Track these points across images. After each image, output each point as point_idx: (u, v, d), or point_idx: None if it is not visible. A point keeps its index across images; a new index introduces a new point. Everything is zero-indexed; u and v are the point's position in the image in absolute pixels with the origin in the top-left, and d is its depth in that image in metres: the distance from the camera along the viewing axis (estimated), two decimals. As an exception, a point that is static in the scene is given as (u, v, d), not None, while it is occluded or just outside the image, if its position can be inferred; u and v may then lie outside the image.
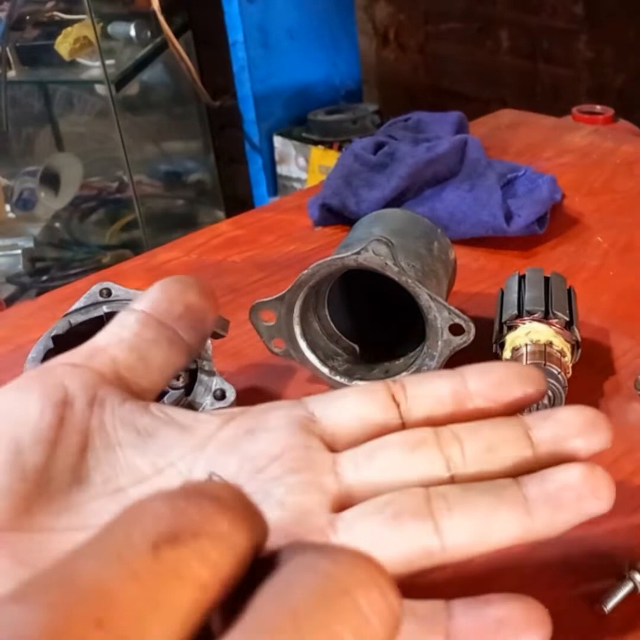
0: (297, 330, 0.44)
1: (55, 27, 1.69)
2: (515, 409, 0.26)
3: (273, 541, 0.17)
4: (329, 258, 0.42)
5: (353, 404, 0.26)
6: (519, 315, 0.43)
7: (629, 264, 0.57)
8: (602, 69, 1.68)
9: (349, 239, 0.47)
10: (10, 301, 1.64)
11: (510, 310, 0.43)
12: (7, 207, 1.83)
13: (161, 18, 1.67)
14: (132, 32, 1.72)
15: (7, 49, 1.64)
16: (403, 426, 0.26)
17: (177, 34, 1.74)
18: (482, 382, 0.26)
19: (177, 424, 0.25)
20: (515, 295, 0.45)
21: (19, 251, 1.75)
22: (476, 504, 0.23)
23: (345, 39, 1.94)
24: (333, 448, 0.25)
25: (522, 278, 0.47)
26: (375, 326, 0.48)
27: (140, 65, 1.75)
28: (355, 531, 0.22)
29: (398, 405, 0.26)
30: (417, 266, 0.43)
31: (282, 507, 0.23)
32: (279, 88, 1.83)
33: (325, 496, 0.24)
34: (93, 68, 1.68)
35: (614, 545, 0.32)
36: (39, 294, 1.32)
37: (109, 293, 0.45)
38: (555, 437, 0.24)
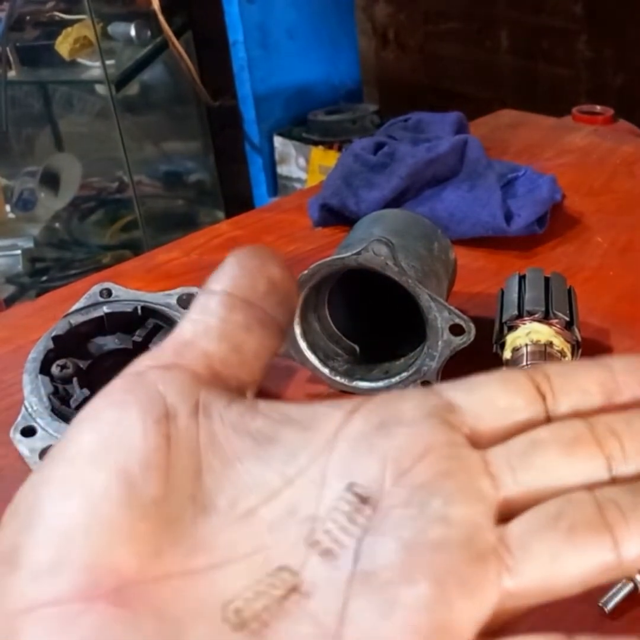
0: (298, 330, 0.44)
1: (55, 27, 1.69)
2: None
3: (435, 566, 0.15)
4: (329, 258, 0.42)
5: (496, 393, 0.23)
6: (520, 315, 0.43)
7: (629, 264, 0.57)
8: (602, 68, 1.68)
9: (349, 239, 0.47)
10: (10, 302, 1.64)
11: (511, 310, 0.43)
12: (7, 208, 1.83)
13: (161, 18, 1.67)
14: (132, 32, 1.72)
15: (7, 49, 1.64)
16: (548, 421, 0.23)
17: (177, 34, 1.74)
18: (631, 376, 0.23)
19: (296, 422, 0.22)
20: (516, 296, 0.45)
21: (19, 251, 1.75)
22: None
23: (345, 39, 1.94)
24: (475, 444, 0.22)
25: (522, 278, 0.47)
26: (375, 326, 0.48)
27: (141, 65, 1.75)
28: (532, 551, 0.20)
29: (544, 398, 0.23)
30: (417, 266, 0.43)
31: (447, 523, 0.20)
32: (279, 88, 1.83)
33: (487, 506, 0.21)
34: (93, 68, 1.68)
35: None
36: (39, 294, 1.32)
37: (109, 293, 0.45)
38: None
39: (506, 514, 0.21)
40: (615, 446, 0.22)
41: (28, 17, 1.73)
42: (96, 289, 0.45)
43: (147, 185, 1.98)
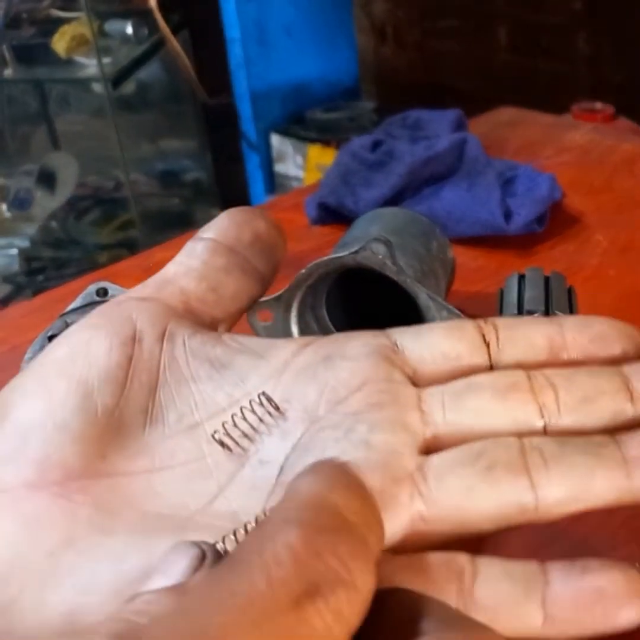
0: (295, 330, 0.43)
1: (51, 25, 1.68)
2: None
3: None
4: (326, 257, 0.41)
5: (440, 339, 0.24)
6: (519, 314, 0.42)
7: (629, 262, 0.56)
8: (602, 65, 1.68)
9: (347, 238, 0.47)
10: (6, 301, 1.64)
11: (510, 309, 0.43)
12: (3, 207, 1.83)
13: (158, 16, 1.66)
14: (129, 30, 1.72)
15: (3, 47, 1.64)
16: (491, 369, 0.24)
17: (174, 32, 1.73)
18: (580, 334, 0.24)
19: (252, 352, 0.24)
20: (515, 295, 0.44)
21: (15, 251, 1.74)
22: (573, 462, 0.21)
23: (343, 36, 1.93)
24: (415, 383, 0.24)
25: (521, 277, 0.46)
26: (373, 326, 0.47)
27: (137, 63, 1.75)
28: (446, 481, 0.21)
29: (488, 346, 0.24)
30: (415, 265, 0.43)
31: (368, 446, 0.21)
32: (276, 85, 1.82)
33: (412, 436, 0.22)
34: (90, 66, 1.68)
35: (614, 545, 0.32)
36: (35, 293, 1.32)
37: (106, 293, 0.44)
38: None
39: (434, 449, 0.22)
40: (550, 397, 0.23)
41: (24, 15, 1.72)
42: (92, 288, 0.44)
43: (144, 184, 1.98)
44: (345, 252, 0.41)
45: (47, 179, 1.80)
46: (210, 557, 0.16)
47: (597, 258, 0.57)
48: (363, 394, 0.23)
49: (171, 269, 0.26)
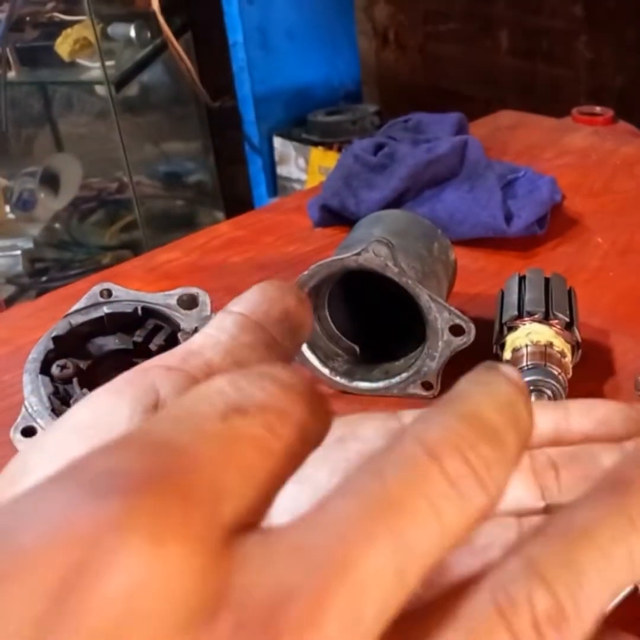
0: (298, 331, 0.44)
1: (55, 28, 1.68)
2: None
3: None
4: (329, 259, 0.42)
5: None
6: (520, 316, 0.43)
7: (629, 264, 0.57)
8: (602, 69, 1.68)
9: (349, 240, 0.47)
10: (10, 302, 1.64)
11: (511, 311, 0.43)
12: (7, 208, 1.83)
13: (161, 19, 1.67)
14: (132, 33, 1.72)
15: (7, 49, 1.64)
16: None
17: (177, 35, 1.74)
18: (584, 418, 0.25)
19: None
20: (516, 296, 0.45)
21: (19, 252, 1.75)
22: None
23: (345, 39, 1.94)
24: None
25: (522, 279, 0.47)
26: (375, 327, 0.48)
27: (140, 66, 1.75)
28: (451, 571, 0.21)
29: None
30: (417, 267, 0.43)
31: None
32: (278, 89, 1.83)
33: None
34: (93, 69, 1.68)
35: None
36: (38, 294, 1.32)
37: (110, 294, 0.45)
38: None
39: None
40: (551, 477, 0.23)
41: (28, 18, 1.73)
42: (96, 289, 0.45)
43: (147, 186, 1.98)
44: (348, 254, 0.41)
45: (51, 181, 1.81)
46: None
47: (597, 260, 0.58)
48: None
49: (198, 341, 0.26)
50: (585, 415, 0.25)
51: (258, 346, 0.26)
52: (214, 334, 0.26)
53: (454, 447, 0.14)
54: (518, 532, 0.22)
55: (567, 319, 0.42)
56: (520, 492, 0.23)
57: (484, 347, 0.43)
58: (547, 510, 0.23)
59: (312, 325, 0.28)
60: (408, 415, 0.26)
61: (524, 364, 0.40)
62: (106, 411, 0.23)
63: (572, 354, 0.42)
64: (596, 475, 0.23)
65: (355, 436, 0.25)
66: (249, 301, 0.27)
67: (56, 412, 0.40)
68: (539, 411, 0.25)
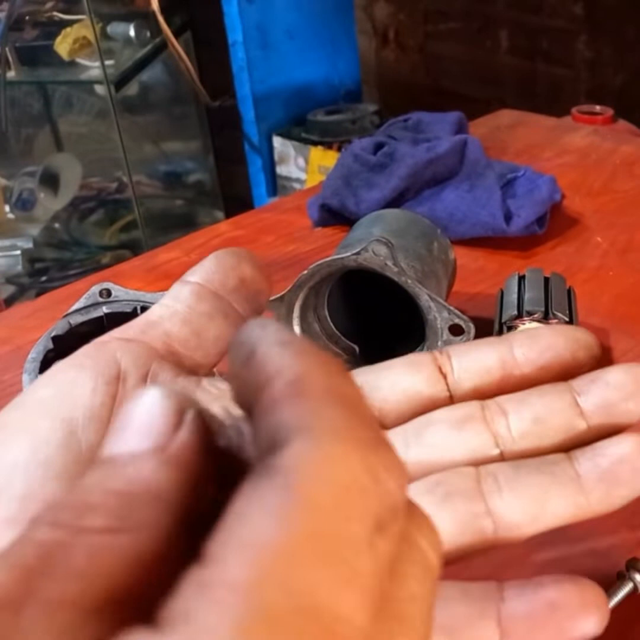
0: (297, 330, 0.44)
1: (54, 28, 1.68)
2: (567, 376, 0.25)
3: None
4: (328, 258, 0.42)
5: (400, 377, 0.25)
6: (519, 315, 0.43)
7: (628, 264, 0.57)
8: (602, 69, 1.68)
9: (348, 240, 0.47)
10: (9, 302, 1.64)
11: (510, 310, 0.43)
12: (7, 208, 1.83)
13: (160, 18, 1.67)
14: (132, 33, 1.72)
15: (7, 49, 1.64)
16: (451, 399, 0.25)
17: (177, 34, 1.74)
18: (529, 349, 0.25)
19: (228, 398, 0.25)
20: (515, 296, 0.45)
21: (18, 252, 1.75)
22: (527, 483, 0.22)
23: (345, 39, 1.94)
24: (381, 424, 0.25)
25: (521, 278, 0.47)
26: (375, 326, 0.48)
27: (140, 65, 1.75)
28: None
29: (445, 377, 0.25)
30: (416, 266, 0.43)
31: None
32: (278, 88, 1.83)
33: None
34: (92, 68, 1.68)
35: (613, 545, 0.32)
36: (38, 294, 1.32)
37: (109, 293, 0.45)
38: (606, 402, 0.23)
39: None
40: (503, 424, 0.24)
41: (27, 17, 1.73)
42: (96, 289, 0.45)
43: (147, 186, 1.98)
44: (347, 254, 0.41)
45: (51, 180, 1.81)
46: (191, 411, 0.15)
47: (596, 259, 0.58)
48: None
49: (156, 312, 0.26)
50: (529, 346, 0.25)
51: (215, 315, 0.26)
52: (171, 304, 0.26)
53: None
54: (476, 477, 0.23)
55: (567, 319, 0.42)
56: (475, 441, 0.24)
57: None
58: (502, 456, 0.24)
59: (270, 292, 0.28)
60: (359, 373, 0.25)
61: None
62: (68, 385, 0.23)
63: (572, 353, 0.42)
64: (544, 416, 0.23)
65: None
66: (205, 270, 0.27)
67: (55, 412, 0.40)
68: (484, 348, 0.25)
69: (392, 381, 0.25)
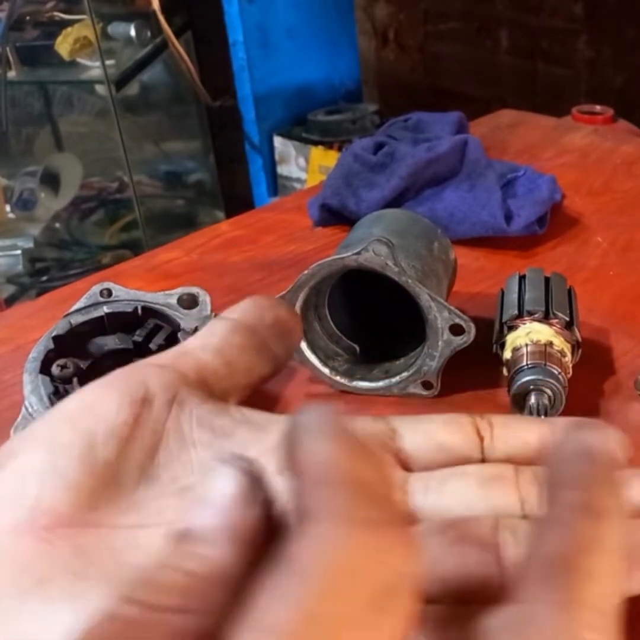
0: (298, 330, 0.44)
1: (55, 27, 1.68)
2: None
3: None
4: (329, 258, 0.42)
5: (437, 429, 0.26)
6: (520, 315, 0.43)
7: (629, 263, 0.57)
8: (602, 68, 1.68)
9: (349, 239, 0.47)
10: (10, 301, 1.64)
11: (511, 310, 0.44)
12: (7, 208, 1.83)
13: (161, 18, 1.67)
14: (132, 32, 1.72)
15: (7, 49, 1.64)
16: (483, 461, 0.26)
17: (177, 34, 1.74)
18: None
19: (254, 424, 0.25)
20: (516, 296, 0.45)
21: (19, 251, 1.75)
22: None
23: (345, 38, 1.94)
24: (408, 468, 0.25)
25: (522, 278, 0.47)
26: (375, 326, 0.48)
27: (140, 65, 1.75)
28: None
29: (482, 440, 0.26)
30: (417, 266, 0.43)
31: None
32: (278, 88, 1.83)
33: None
34: (93, 68, 1.68)
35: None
36: (39, 294, 1.32)
37: (110, 293, 0.45)
38: None
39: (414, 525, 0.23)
40: (533, 493, 0.24)
41: (28, 17, 1.73)
42: (96, 288, 0.45)
43: (147, 185, 1.98)
44: (348, 253, 0.41)
45: (51, 180, 1.81)
46: (261, 492, 0.17)
47: (597, 259, 0.58)
48: None
49: (191, 342, 0.27)
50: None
51: (248, 348, 0.27)
52: (206, 336, 0.27)
53: None
54: (494, 528, 0.23)
55: (567, 318, 0.42)
56: (499, 501, 0.24)
57: (484, 346, 0.43)
58: (527, 519, 0.23)
59: (302, 335, 0.29)
60: (396, 419, 0.26)
61: (524, 363, 0.40)
62: (94, 401, 0.24)
63: (572, 353, 0.42)
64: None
65: None
66: (242, 308, 0.28)
67: (56, 412, 0.40)
68: (526, 425, 0.26)
69: (428, 433, 0.26)
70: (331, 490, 0.15)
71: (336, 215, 0.64)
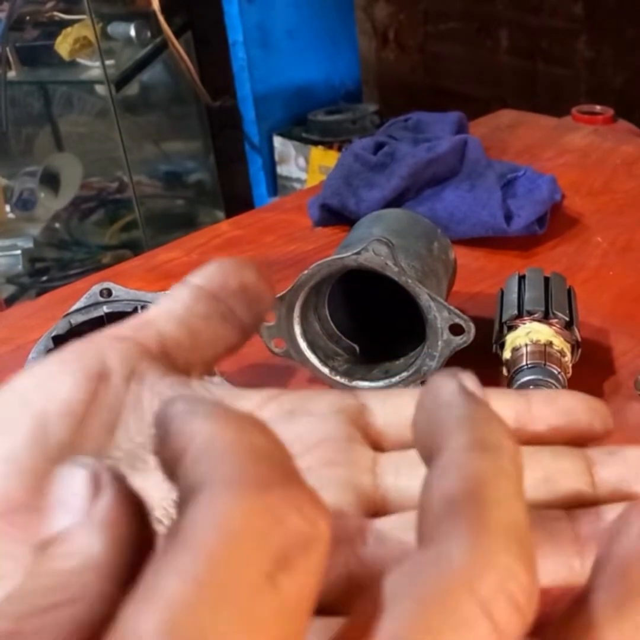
0: (298, 330, 0.44)
1: (55, 27, 1.69)
2: (576, 443, 0.24)
3: None
4: (329, 258, 0.42)
5: (409, 404, 0.24)
6: (519, 315, 0.43)
7: (628, 263, 0.57)
8: (602, 68, 1.68)
9: (349, 239, 0.47)
10: (10, 301, 1.64)
11: (511, 310, 0.44)
12: (7, 208, 1.83)
13: (161, 18, 1.67)
14: (132, 32, 1.72)
15: (7, 49, 1.64)
16: None
17: (177, 34, 1.74)
18: (546, 408, 0.24)
19: (217, 399, 0.24)
20: (515, 296, 0.45)
21: (19, 252, 1.75)
22: None
23: (345, 39, 1.94)
24: (378, 446, 0.24)
25: (522, 278, 0.47)
26: (375, 326, 0.48)
27: (140, 65, 1.75)
28: (386, 546, 0.21)
29: None
30: (417, 266, 0.43)
31: None
32: (278, 88, 1.83)
33: (358, 497, 0.22)
34: (93, 68, 1.68)
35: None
36: (39, 294, 1.32)
37: (110, 293, 0.45)
38: (620, 478, 0.23)
39: (382, 513, 0.23)
40: None
41: (28, 17, 1.73)
42: (96, 288, 0.45)
43: (147, 185, 1.98)
44: (348, 253, 0.41)
45: (51, 180, 1.81)
46: (106, 478, 0.16)
47: (596, 259, 0.58)
48: (319, 451, 0.23)
49: (152, 311, 0.26)
50: (547, 404, 0.24)
51: (213, 317, 0.25)
52: (168, 305, 0.26)
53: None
54: None
55: (567, 318, 0.42)
56: None
57: (484, 346, 0.43)
58: None
59: (272, 299, 0.27)
60: (366, 394, 0.25)
61: (524, 363, 0.40)
62: (46, 379, 0.23)
63: (572, 353, 0.42)
64: (555, 476, 0.23)
65: (307, 411, 0.24)
66: (206, 273, 0.26)
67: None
68: (501, 398, 0.24)
69: (399, 406, 0.25)
70: (217, 459, 0.15)
71: (336, 215, 0.64)
